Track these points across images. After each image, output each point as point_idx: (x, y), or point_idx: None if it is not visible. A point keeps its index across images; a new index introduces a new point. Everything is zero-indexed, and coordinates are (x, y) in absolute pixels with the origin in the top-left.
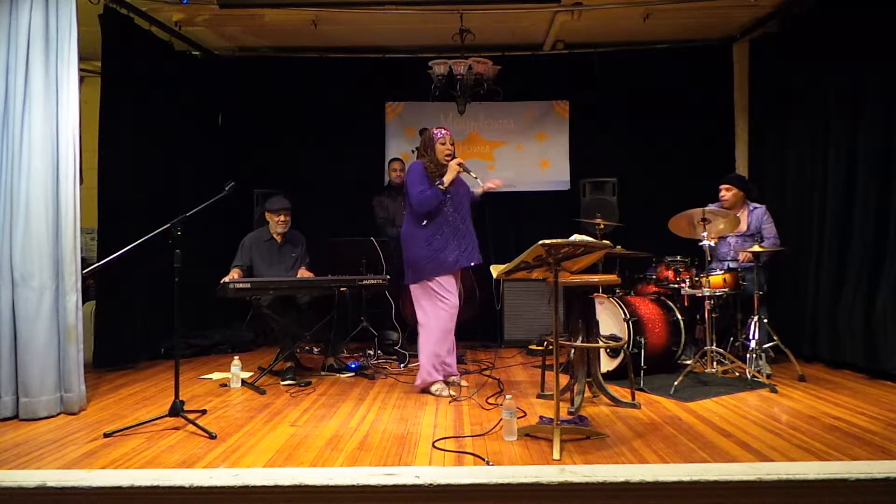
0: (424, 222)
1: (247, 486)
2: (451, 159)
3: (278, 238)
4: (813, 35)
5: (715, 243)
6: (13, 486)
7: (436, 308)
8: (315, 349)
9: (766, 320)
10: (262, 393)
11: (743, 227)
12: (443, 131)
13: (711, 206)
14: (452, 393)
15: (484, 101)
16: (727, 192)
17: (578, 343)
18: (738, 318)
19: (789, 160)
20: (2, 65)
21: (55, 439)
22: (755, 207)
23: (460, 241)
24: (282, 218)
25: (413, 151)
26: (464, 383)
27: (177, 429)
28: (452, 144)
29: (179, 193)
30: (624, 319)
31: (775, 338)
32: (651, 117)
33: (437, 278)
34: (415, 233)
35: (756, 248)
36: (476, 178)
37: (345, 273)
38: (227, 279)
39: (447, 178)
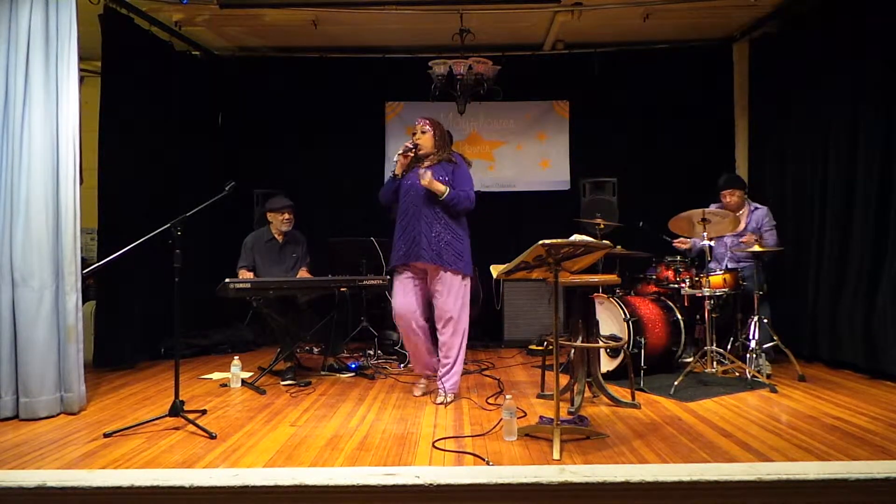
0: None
1: (247, 486)
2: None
3: (279, 238)
4: (813, 35)
5: (713, 242)
6: (13, 486)
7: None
8: (315, 349)
9: (766, 320)
10: (262, 393)
11: (741, 226)
12: (417, 120)
13: (713, 207)
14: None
15: (484, 101)
16: (731, 197)
17: (578, 343)
18: (738, 318)
19: (789, 160)
20: (2, 65)
21: (55, 439)
22: (756, 208)
23: (408, 236)
24: (286, 216)
25: None
26: (444, 399)
27: (177, 429)
28: (424, 132)
29: (179, 193)
30: (624, 319)
31: (775, 338)
32: (651, 117)
33: (395, 274)
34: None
35: (756, 248)
36: (395, 161)
37: (345, 273)
38: (228, 279)
39: (397, 167)
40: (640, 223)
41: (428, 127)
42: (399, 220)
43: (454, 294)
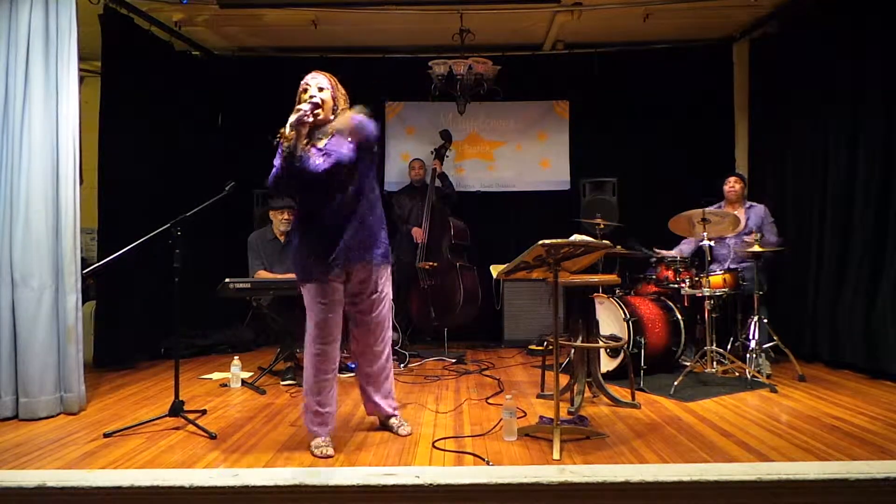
0: (308, 206)
1: (247, 486)
2: (308, 109)
3: (282, 238)
4: (813, 35)
5: (714, 243)
6: (13, 486)
7: (310, 325)
8: None
9: (766, 320)
10: (262, 393)
11: (741, 226)
12: (310, 76)
13: (713, 207)
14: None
15: (484, 101)
16: (737, 185)
17: (578, 343)
18: (738, 318)
19: (789, 160)
20: (2, 65)
21: (55, 439)
22: (752, 205)
23: (332, 234)
24: (286, 216)
25: (432, 153)
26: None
27: (177, 429)
28: (322, 88)
29: (179, 193)
30: (624, 319)
31: (775, 338)
32: (651, 117)
33: (316, 284)
34: (300, 221)
35: (756, 248)
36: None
37: None
38: (228, 279)
39: (298, 140)
40: (634, 247)
41: (326, 82)
42: (311, 216)
43: (389, 287)
